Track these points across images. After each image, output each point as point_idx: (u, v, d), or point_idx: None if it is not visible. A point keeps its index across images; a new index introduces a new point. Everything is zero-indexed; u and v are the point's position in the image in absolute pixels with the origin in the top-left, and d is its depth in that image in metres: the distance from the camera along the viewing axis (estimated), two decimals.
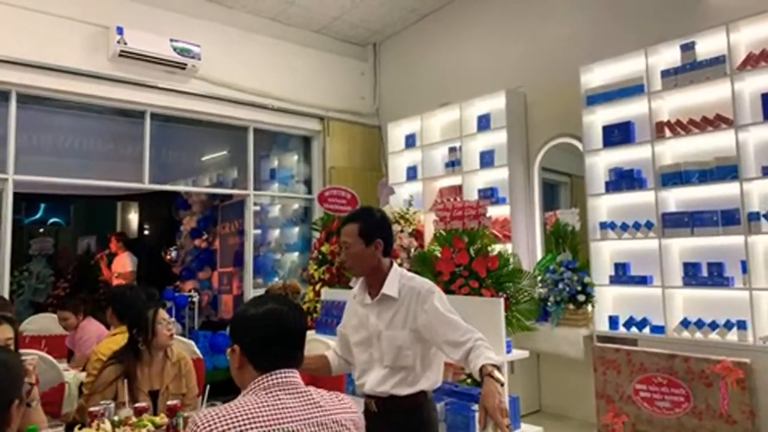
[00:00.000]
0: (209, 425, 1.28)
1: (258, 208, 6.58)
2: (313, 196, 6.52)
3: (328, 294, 4.45)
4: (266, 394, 1.39)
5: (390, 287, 2.11)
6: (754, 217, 3.73)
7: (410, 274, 2.19)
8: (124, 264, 6.87)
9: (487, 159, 5.58)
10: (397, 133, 6.51)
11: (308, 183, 6.78)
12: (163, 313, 2.64)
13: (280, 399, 1.39)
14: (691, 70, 4.11)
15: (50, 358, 2.94)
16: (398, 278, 2.13)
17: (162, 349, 2.62)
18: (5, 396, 1.16)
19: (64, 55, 4.91)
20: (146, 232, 10.35)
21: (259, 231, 6.63)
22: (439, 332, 2.01)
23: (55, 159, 5.32)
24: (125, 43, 5.05)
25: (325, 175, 6.58)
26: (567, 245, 4.73)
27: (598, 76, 4.71)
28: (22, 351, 2.43)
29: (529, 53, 5.48)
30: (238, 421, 1.29)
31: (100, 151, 5.57)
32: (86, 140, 5.50)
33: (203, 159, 6.85)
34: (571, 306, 4.46)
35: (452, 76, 6.20)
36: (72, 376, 3.35)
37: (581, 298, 4.38)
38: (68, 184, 5.45)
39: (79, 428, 1.97)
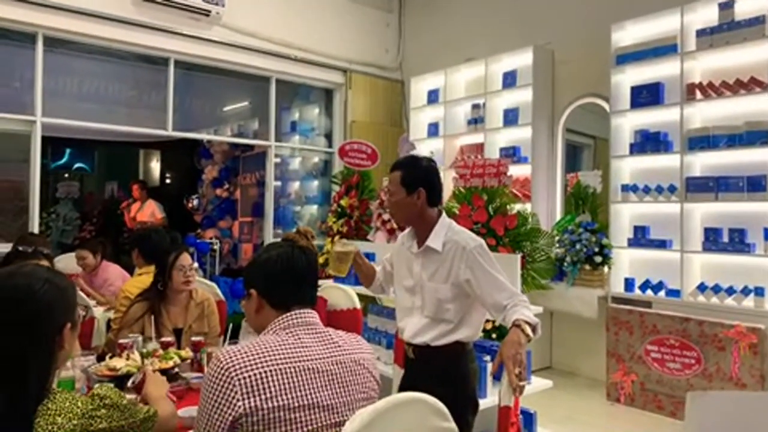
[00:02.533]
0: (232, 361, 1.32)
1: (279, 160, 6.61)
2: (333, 149, 6.52)
3: None
4: (286, 333, 1.44)
5: (434, 240, 2.08)
6: None
7: (458, 227, 2.14)
8: (153, 212, 7.05)
9: (510, 117, 5.51)
10: (420, 88, 6.44)
11: (329, 136, 6.77)
12: (185, 259, 2.66)
13: (300, 338, 1.44)
14: (728, 30, 3.97)
15: (80, 293, 3.06)
16: (445, 231, 2.10)
17: (180, 292, 2.68)
18: (59, 318, 1.22)
19: None
20: (168, 181, 10.51)
21: (279, 183, 6.68)
22: (484, 291, 1.99)
23: (80, 104, 5.38)
24: None
25: (346, 129, 6.55)
26: (587, 207, 4.71)
27: (630, 34, 4.57)
28: None
29: (560, 8, 5.31)
30: (260, 358, 1.34)
31: (125, 97, 5.61)
32: (111, 86, 5.54)
33: (225, 109, 6.87)
34: (587, 267, 4.47)
35: (479, 29, 6.05)
36: (100, 312, 3.49)
37: (598, 259, 4.39)
38: (93, 129, 5.52)
39: (110, 357, 2.08)
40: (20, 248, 3.00)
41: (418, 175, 2.12)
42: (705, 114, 4.18)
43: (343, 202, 5.49)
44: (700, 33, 4.11)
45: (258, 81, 6.23)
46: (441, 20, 6.54)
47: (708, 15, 4.14)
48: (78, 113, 5.27)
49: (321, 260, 5.44)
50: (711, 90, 4.06)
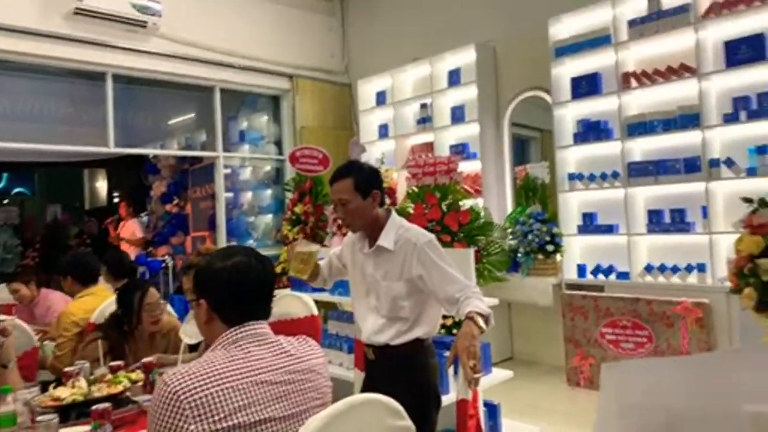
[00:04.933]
0: (180, 383, 1.26)
1: (228, 170, 6.49)
2: (284, 156, 6.45)
3: None
4: (235, 347, 1.38)
5: (385, 239, 2.08)
6: (714, 163, 3.84)
7: (408, 224, 2.15)
8: (134, 231, 7.00)
9: (458, 114, 5.58)
10: (367, 90, 6.45)
11: (279, 144, 6.70)
12: (152, 296, 2.53)
13: (250, 351, 1.38)
14: (657, 19, 4.13)
15: (22, 323, 2.91)
16: (395, 229, 2.10)
17: (147, 332, 2.56)
18: None
19: (17, 13, 4.67)
20: (116, 200, 10.19)
21: (231, 194, 6.56)
22: (437, 286, 2.00)
23: (13, 124, 5.13)
24: (81, 0, 4.84)
25: (295, 135, 6.49)
26: (536, 198, 4.82)
27: (566, 27, 4.71)
28: None
29: (499, 5, 5.42)
30: (209, 377, 1.28)
31: (62, 115, 5.39)
32: (47, 104, 5.31)
33: (170, 122, 6.69)
34: (540, 256, 4.57)
35: (421, 29, 6.11)
36: (46, 344, 3.33)
37: (550, 248, 4.50)
38: (30, 150, 5.27)
39: (54, 387, 1.98)
40: None
41: (369, 178, 2.12)
42: (641, 101, 4.34)
43: (297, 210, 5.44)
44: (631, 23, 4.27)
45: (202, 91, 6.10)
46: (383, 22, 6.57)
47: (637, 5, 4.30)
48: (12, 134, 5.02)
49: (278, 270, 5.38)
50: (645, 78, 4.22)
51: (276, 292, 1.58)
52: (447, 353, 2.78)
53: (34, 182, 10.29)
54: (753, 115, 3.71)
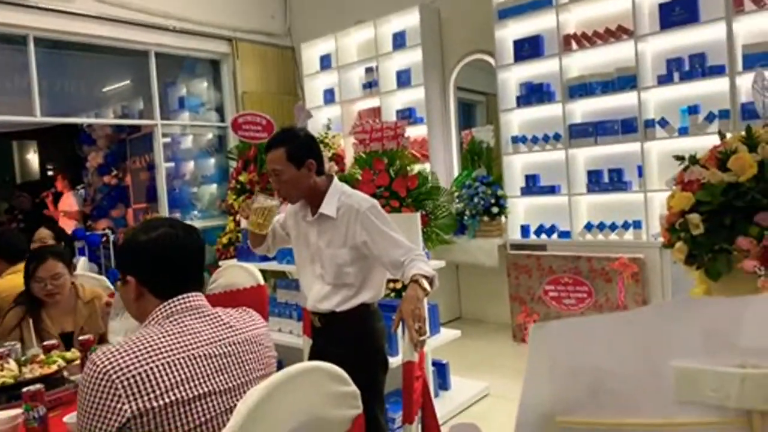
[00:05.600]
0: (111, 362, 1.19)
1: (168, 139, 6.24)
2: (226, 123, 6.24)
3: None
4: (170, 321, 1.33)
5: (327, 206, 2.05)
6: (650, 124, 3.97)
7: (350, 190, 2.12)
8: (70, 203, 6.78)
9: (403, 79, 5.53)
10: (311, 54, 6.28)
11: (220, 110, 6.47)
12: (45, 270, 2.39)
13: (186, 325, 1.33)
14: None
15: None
16: (337, 196, 2.07)
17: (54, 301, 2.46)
18: None
19: None
20: (50, 173, 9.66)
21: (172, 164, 6.32)
22: (381, 251, 1.99)
23: None
24: None
25: (237, 101, 6.29)
26: (482, 161, 4.88)
27: None
28: None
29: None
30: (141, 355, 1.22)
31: None
32: None
33: (105, 90, 6.34)
34: (485, 218, 4.66)
35: None
36: None
37: (495, 210, 4.59)
38: None
39: None
40: None
41: (303, 146, 2.06)
42: (581, 63, 4.41)
43: (242, 178, 5.30)
44: None
45: (136, 56, 5.78)
46: None
47: None
48: None
49: (224, 240, 5.28)
50: (585, 40, 4.28)
51: (221, 262, 1.54)
52: (394, 316, 2.84)
53: None
54: (685, 77, 3.84)
